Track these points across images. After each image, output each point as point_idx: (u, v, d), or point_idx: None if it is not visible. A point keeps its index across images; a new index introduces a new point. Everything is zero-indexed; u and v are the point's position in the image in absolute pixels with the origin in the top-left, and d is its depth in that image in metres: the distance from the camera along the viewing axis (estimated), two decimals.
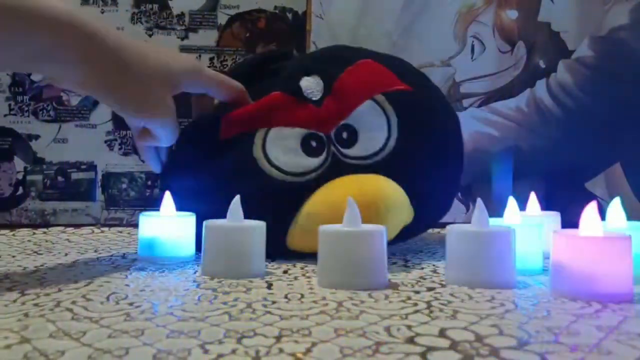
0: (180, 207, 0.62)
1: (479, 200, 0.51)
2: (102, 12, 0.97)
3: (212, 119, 0.64)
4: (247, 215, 0.54)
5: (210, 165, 0.63)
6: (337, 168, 0.61)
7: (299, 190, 0.60)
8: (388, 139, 0.63)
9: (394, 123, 0.63)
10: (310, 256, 0.60)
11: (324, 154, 0.62)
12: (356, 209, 0.50)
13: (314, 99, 0.63)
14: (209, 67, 0.89)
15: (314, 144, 0.62)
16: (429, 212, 0.65)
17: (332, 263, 0.49)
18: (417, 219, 0.62)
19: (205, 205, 0.61)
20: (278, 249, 0.59)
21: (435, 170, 0.65)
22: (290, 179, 0.61)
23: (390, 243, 0.57)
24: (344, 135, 0.63)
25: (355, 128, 0.63)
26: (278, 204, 0.60)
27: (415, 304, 0.43)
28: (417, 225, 0.64)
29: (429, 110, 0.66)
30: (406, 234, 0.63)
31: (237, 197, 0.54)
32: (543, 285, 0.50)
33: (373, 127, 0.63)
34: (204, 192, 0.63)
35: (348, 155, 0.62)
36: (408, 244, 0.69)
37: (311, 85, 0.64)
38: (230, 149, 0.62)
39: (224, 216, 0.54)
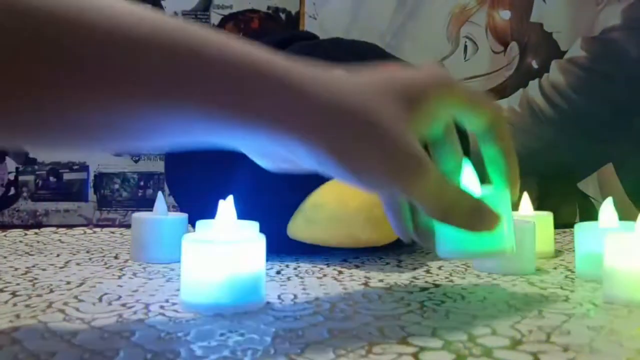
0: (188, 187, 0.62)
1: None
2: None
3: None
4: (254, 198, 0.54)
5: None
6: None
7: (307, 179, 0.60)
8: None
9: None
10: (304, 256, 0.60)
11: None
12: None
13: None
14: None
15: None
16: None
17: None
18: None
19: (210, 184, 0.62)
20: (278, 236, 0.59)
21: None
22: None
23: (385, 247, 0.58)
24: None
25: None
26: (285, 190, 0.60)
27: (409, 304, 0.43)
28: None
29: None
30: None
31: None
32: (535, 285, 0.50)
33: None
34: (213, 171, 0.63)
35: None
36: (401, 243, 0.69)
37: None
38: None
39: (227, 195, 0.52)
